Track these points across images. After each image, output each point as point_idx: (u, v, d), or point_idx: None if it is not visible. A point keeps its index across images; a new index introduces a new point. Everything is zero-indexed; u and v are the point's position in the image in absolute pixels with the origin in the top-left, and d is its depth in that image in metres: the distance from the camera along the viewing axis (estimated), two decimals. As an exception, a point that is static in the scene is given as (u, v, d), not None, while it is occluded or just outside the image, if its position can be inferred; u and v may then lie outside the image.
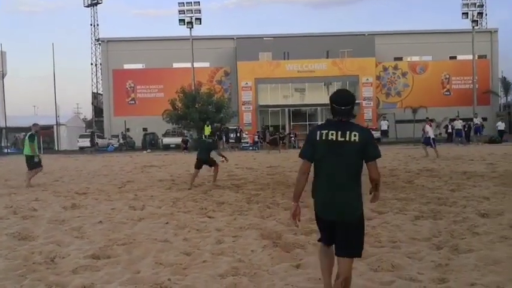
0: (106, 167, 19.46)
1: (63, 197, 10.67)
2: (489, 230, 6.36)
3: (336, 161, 3.54)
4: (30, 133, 13.35)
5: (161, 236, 6.49)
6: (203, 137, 34.68)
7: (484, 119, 42.18)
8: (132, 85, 47.99)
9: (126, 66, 48.13)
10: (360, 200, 3.63)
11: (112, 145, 38.23)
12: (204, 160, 12.32)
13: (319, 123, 43.42)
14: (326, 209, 3.63)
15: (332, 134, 3.55)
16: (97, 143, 38.06)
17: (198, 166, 12.24)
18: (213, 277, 4.69)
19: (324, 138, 3.57)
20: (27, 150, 13.09)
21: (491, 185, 10.84)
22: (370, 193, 3.83)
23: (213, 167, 12.41)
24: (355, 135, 3.52)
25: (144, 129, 43.73)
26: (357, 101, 42.32)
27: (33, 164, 12.98)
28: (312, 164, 3.71)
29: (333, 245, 3.74)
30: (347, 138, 3.51)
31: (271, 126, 41.08)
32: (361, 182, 3.65)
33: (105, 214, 8.28)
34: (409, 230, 6.51)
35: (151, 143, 39.33)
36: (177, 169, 17.54)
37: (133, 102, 48.04)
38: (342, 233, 3.58)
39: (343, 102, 3.61)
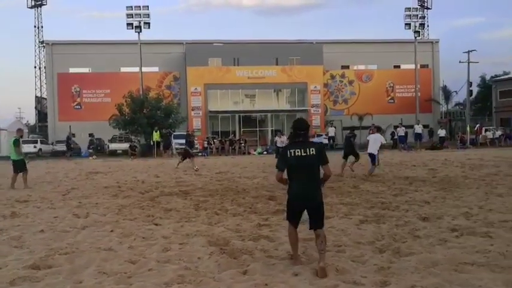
0: (49, 174, 18.81)
1: (2, 205, 10.22)
2: (429, 233, 6.60)
3: (303, 168, 5.21)
4: (14, 138, 14.21)
5: (105, 244, 6.33)
6: (152, 143, 34.28)
7: (426, 126, 43.77)
8: (78, 89, 46.71)
9: (72, 70, 46.78)
10: (320, 191, 5.32)
11: (88, 150, 36.38)
12: None
13: (270, 129, 44.12)
14: (299, 198, 5.26)
15: (298, 152, 5.21)
16: (72, 147, 36.13)
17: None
18: (159, 285, 4.62)
19: (293, 154, 5.22)
20: (13, 155, 13.97)
21: (432, 189, 11.26)
22: (323, 184, 5.51)
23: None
24: (312, 150, 5.21)
25: (90, 135, 42.60)
26: (305, 108, 43.27)
27: (20, 167, 13.84)
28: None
29: (298, 225, 5.37)
30: (308, 153, 5.19)
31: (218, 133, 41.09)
32: (320, 179, 5.34)
33: (47, 223, 7.99)
34: (353, 234, 6.66)
35: (97, 148, 38.32)
36: (124, 176, 17.18)
37: (79, 107, 46.75)
38: (313, 212, 5.23)
39: (302, 128, 5.36)
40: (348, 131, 18.29)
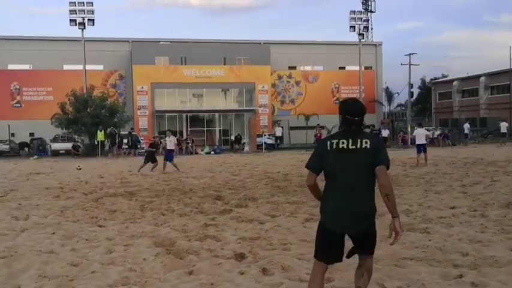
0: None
1: None
2: (371, 230, 6.79)
3: (349, 169, 3.49)
4: None
5: (46, 247, 6.14)
6: (96, 142, 33.42)
7: (369, 127, 45.00)
8: (18, 87, 44.76)
9: (11, 67, 44.76)
10: (374, 207, 3.65)
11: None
12: None
13: (218, 129, 44.07)
14: (338, 221, 3.54)
15: (343, 143, 3.50)
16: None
17: None
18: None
19: (334, 147, 3.50)
20: None
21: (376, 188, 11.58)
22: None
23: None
24: (366, 143, 3.49)
25: (31, 134, 40.98)
26: (253, 108, 43.44)
27: None
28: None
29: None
30: (359, 146, 3.47)
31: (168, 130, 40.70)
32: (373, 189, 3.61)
33: (-17, 226, 7.65)
34: (299, 233, 6.77)
35: (38, 148, 36.91)
36: (67, 176, 16.65)
37: (18, 105, 44.82)
38: (364, 240, 3.63)
39: (357, 112, 3.58)
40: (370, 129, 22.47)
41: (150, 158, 18.39)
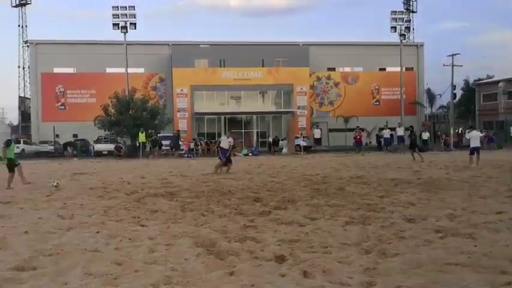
0: (33, 175, 18.58)
1: (-15, 206, 10.09)
2: (414, 234, 6.66)
3: None
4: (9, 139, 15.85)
5: (91, 245, 6.29)
6: (138, 144, 34.10)
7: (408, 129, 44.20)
8: (62, 90, 46.22)
9: (56, 70, 46.29)
10: None
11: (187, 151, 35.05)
12: None
13: (255, 130, 44.21)
14: None
15: None
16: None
17: None
18: (145, 286, 4.60)
19: None
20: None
21: (417, 191, 11.37)
22: None
23: None
24: None
25: (75, 136, 42.21)
26: (291, 110, 43.38)
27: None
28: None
29: None
30: None
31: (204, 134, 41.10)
32: None
33: (31, 224, 7.91)
34: (339, 236, 6.70)
35: (82, 149, 37.99)
36: (109, 177, 17.06)
37: (63, 107, 46.26)
38: None
39: None
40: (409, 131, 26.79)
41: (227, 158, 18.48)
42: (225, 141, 18.91)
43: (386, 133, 34.21)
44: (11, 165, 14.59)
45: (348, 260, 5.44)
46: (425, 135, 36.29)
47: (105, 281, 4.79)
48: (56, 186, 13.09)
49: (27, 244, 6.42)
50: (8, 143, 15.07)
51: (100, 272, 5.08)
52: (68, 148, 37.00)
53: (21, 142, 37.73)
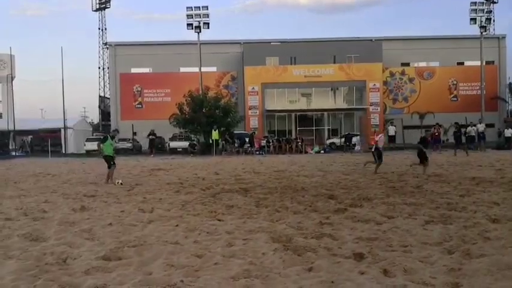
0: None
1: (71, 199, 10.72)
2: (500, 235, 6.33)
3: None
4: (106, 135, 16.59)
5: (171, 238, 6.50)
6: (211, 141, 34.82)
7: (491, 126, 42.02)
8: (139, 89, 48.11)
9: (134, 70, 48.29)
10: None
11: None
12: None
13: (326, 128, 43.74)
14: None
15: None
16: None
17: None
18: (226, 279, 4.70)
19: None
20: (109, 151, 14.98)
21: (501, 190, 10.79)
22: None
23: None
24: None
25: (152, 134, 43.73)
26: (363, 107, 42.52)
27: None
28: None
29: None
30: None
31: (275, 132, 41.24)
32: None
33: (114, 216, 8.32)
34: (419, 235, 6.49)
35: (158, 147, 39.28)
36: (185, 173, 17.56)
37: (140, 106, 48.15)
38: None
39: None
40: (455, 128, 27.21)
41: (379, 156, 16.73)
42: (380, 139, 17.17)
43: (472, 131, 32.44)
44: (107, 161, 14.78)
45: (430, 259, 5.26)
46: (508, 132, 34.27)
47: (186, 272, 4.93)
48: (121, 184, 13.55)
49: (111, 235, 6.75)
50: (104, 139, 15.39)
51: (181, 263, 5.25)
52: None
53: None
